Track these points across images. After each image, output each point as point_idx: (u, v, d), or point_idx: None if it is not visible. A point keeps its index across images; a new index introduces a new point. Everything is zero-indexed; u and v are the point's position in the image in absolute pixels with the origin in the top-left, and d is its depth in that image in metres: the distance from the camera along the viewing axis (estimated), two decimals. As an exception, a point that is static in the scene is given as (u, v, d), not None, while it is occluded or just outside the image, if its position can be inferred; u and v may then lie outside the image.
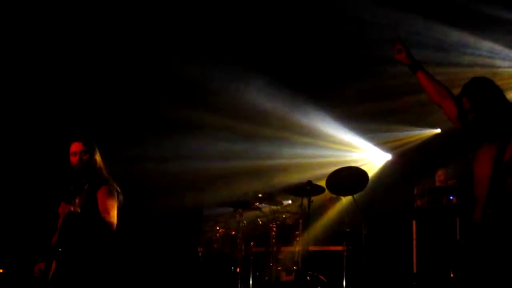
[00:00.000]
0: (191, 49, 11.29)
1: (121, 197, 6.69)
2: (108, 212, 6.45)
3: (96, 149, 6.81)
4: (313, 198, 9.52)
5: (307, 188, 9.45)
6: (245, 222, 9.96)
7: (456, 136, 5.46)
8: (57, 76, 11.14)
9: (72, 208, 6.20)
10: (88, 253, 6.40)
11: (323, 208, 10.74)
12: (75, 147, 6.74)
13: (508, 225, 4.80)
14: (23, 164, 11.01)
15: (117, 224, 6.52)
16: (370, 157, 13.28)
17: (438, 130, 12.33)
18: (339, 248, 9.37)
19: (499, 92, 5.18)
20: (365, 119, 12.49)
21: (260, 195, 10.06)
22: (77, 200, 6.41)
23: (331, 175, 9.94)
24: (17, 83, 10.95)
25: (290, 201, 11.09)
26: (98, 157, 6.79)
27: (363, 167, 10.70)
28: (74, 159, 6.70)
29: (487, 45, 11.02)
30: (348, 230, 9.90)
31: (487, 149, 5.12)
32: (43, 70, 11.01)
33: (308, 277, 9.00)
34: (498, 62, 11.14)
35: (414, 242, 9.89)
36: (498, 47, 11.06)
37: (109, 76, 11.41)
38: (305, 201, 9.50)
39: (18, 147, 11.11)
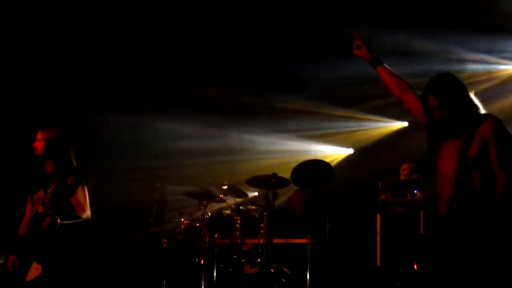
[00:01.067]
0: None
1: (90, 185, 6.66)
2: (82, 207, 6.45)
3: (63, 136, 6.76)
4: (278, 190, 9.54)
5: (272, 181, 9.45)
6: (209, 213, 9.95)
7: (423, 130, 5.49)
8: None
9: (48, 218, 6.17)
10: (69, 256, 6.40)
11: (288, 200, 10.75)
12: (40, 134, 6.71)
13: (479, 223, 4.83)
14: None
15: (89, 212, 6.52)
16: (334, 150, 13.34)
17: (405, 124, 12.34)
18: (303, 241, 9.36)
19: (464, 88, 5.23)
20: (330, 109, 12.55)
21: (224, 187, 10.05)
22: (49, 191, 6.40)
23: (295, 168, 9.96)
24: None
25: (256, 193, 11.12)
26: (66, 145, 6.74)
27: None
28: (36, 145, 6.67)
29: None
30: (312, 223, 9.93)
31: (451, 145, 5.16)
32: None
33: (272, 270, 8.99)
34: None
35: (378, 235, 9.93)
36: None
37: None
38: (270, 193, 9.51)
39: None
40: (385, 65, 5.70)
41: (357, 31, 5.80)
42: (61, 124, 6.87)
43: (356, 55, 5.78)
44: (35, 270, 6.23)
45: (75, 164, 6.74)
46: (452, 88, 5.18)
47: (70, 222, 6.35)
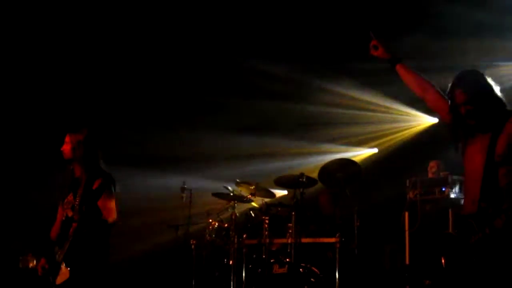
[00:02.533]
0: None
1: (117, 188, 6.67)
2: (109, 211, 6.45)
3: (90, 139, 6.77)
4: (305, 190, 9.55)
5: (300, 180, 9.45)
6: (237, 214, 9.96)
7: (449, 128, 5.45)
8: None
9: (74, 224, 6.22)
10: (96, 259, 6.43)
11: (316, 200, 10.73)
12: (68, 137, 6.73)
13: (510, 223, 4.79)
14: (21, 155, 11.02)
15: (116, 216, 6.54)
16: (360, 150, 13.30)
17: (436, 120, 12.22)
18: (332, 240, 9.35)
19: (491, 85, 5.19)
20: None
21: (252, 187, 10.06)
22: (78, 194, 6.44)
23: (323, 167, 9.96)
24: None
25: (286, 192, 11.11)
26: (93, 148, 6.75)
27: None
28: (65, 148, 6.69)
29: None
30: (341, 222, 9.92)
31: (478, 142, 5.12)
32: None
33: (301, 269, 9.00)
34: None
35: (407, 233, 9.89)
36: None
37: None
38: (298, 193, 9.52)
39: (17, 138, 11.14)
40: (404, 63, 5.65)
41: (372, 31, 5.75)
42: (89, 127, 6.87)
43: (374, 56, 5.74)
44: (63, 274, 6.26)
45: (102, 167, 6.75)
46: (479, 84, 5.14)
47: (97, 226, 6.38)
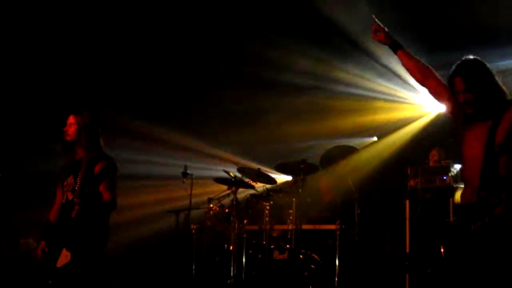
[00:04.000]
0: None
1: (117, 172, 6.67)
2: (110, 194, 6.44)
3: (94, 122, 6.76)
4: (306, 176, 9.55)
5: (301, 167, 9.45)
6: (238, 199, 9.97)
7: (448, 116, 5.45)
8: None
9: (75, 200, 6.22)
10: (97, 243, 6.44)
11: (317, 186, 10.74)
12: (72, 118, 6.70)
13: (509, 212, 4.79)
14: (20, 136, 11.00)
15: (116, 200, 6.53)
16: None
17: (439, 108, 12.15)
18: (332, 227, 9.37)
19: (491, 73, 5.18)
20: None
21: (253, 173, 10.06)
22: (79, 177, 6.42)
23: (324, 153, 9.96)
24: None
25: (290, 178, 11.10)
26: (96, 131, 6.74)
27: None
28: (68, 130, 6.66)
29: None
30: (341, 208, 9.92)
31: (477, 130, 5.12)
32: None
33: (301, 256, 9.02)
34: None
35: (407, 221, 9.89)
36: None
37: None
38: (299, 179, 9.53)
39: (16, 118, 11.14)
40: (405, 49, 5.63)
41: (374, 16, 5.74)
42: (92, 110, 6.86)
43: (375, 40, 5.72)
44: (64, 257, 6.25)
45: (104, 151, 6.75)
46: (479, 72, 5.13)
47: (98, 209, 6.39)
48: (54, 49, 11.20)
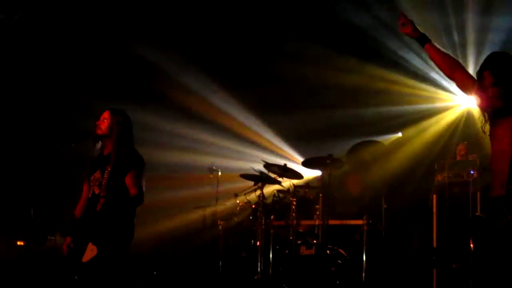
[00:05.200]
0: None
1: (145, 168, 6.68)
2: (136, 189, 6.46)
3: (128, 123, 6.80)
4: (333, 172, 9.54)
5: (327, 162, 9.44)
6: (265, 195, 9.97)
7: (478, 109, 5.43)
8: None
9: (101, 200, 6.25)
10: (124, 237, 6.46)
11: (344, 182, 10.72)
12: (107, 113, 6.74)
13: None
14: (44, 130, 11.07)
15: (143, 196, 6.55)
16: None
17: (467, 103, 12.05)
18: (359, 222, 9.35)
19: None
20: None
21: (280, 169, 10.05)
22: (106, 172, 6.46)
23: (351, 149, 9.95)
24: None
25: (320, 173, 11.06)
26: (129, 131, 6.78)
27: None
28: (101, 123, 6.70)
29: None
30: (368, 204, 9.90)
31: (506, 123, 5.09)
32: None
33: (328, 251, 9.01)
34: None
35: (434, 216, 9.85)
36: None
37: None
38: (326, 174, 9.52)
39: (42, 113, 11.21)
40: (433, 42, 5.61)
41: (402, 10, 5.73)
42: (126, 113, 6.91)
43: (403, 33, 5.71)
44: (90, 252, 6.27)
45: (132, 146, 6.78)
46: (508, 66, 5.11)
47: (124, 203, 6.41)
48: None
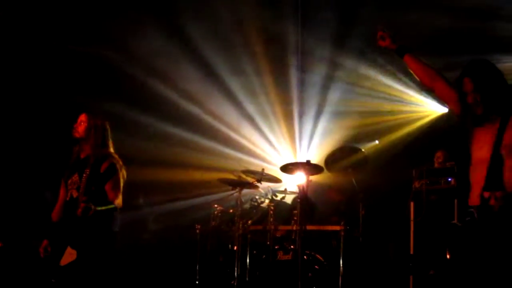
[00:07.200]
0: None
1: (124, 172, 6.67)
2: (115, 193, 6.45)
3: (106, 126, 6.79)
4: (311, 177, 9.52)
5: (305, 167, 9.43)
6: (243, 200, 9.95)
7: (455, 118, 5.44)
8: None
9: (82, 204, 6.20)
10: (103, 241, 6.44)
11: (321, 187, 10.73)
12: (84, 116, 6.72)
13: (507, 210, 4.79)
14: (24, 134, 11.00)
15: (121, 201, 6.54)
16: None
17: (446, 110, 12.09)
18: (337, 227, 9.36)
19: (500, 74, 5.17)
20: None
21: (258, 174, 10.04)
22: (84, 175, 6.43)
23: (329, 154, 9.96)
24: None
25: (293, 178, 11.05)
26: (107, 135, 6.76)
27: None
28: (78, 126, 6.67)
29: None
30: (346, 210, 9.91)
31: (486, 131, 5.11)
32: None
33: (305, 257, 9.01)
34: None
35: (412, 223, 9.88)
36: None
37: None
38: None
39: (20, 117, 11.13)
40: (412, 53, 5.62)
41: (380, 24, 5.74)
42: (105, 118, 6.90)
43: (381, 47, 5.71)
44: (69, 255, 6.25)
45: (112, 152, 6.76)
46: (487, 73, 5.13)
47: (103, 208, 6.38)
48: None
